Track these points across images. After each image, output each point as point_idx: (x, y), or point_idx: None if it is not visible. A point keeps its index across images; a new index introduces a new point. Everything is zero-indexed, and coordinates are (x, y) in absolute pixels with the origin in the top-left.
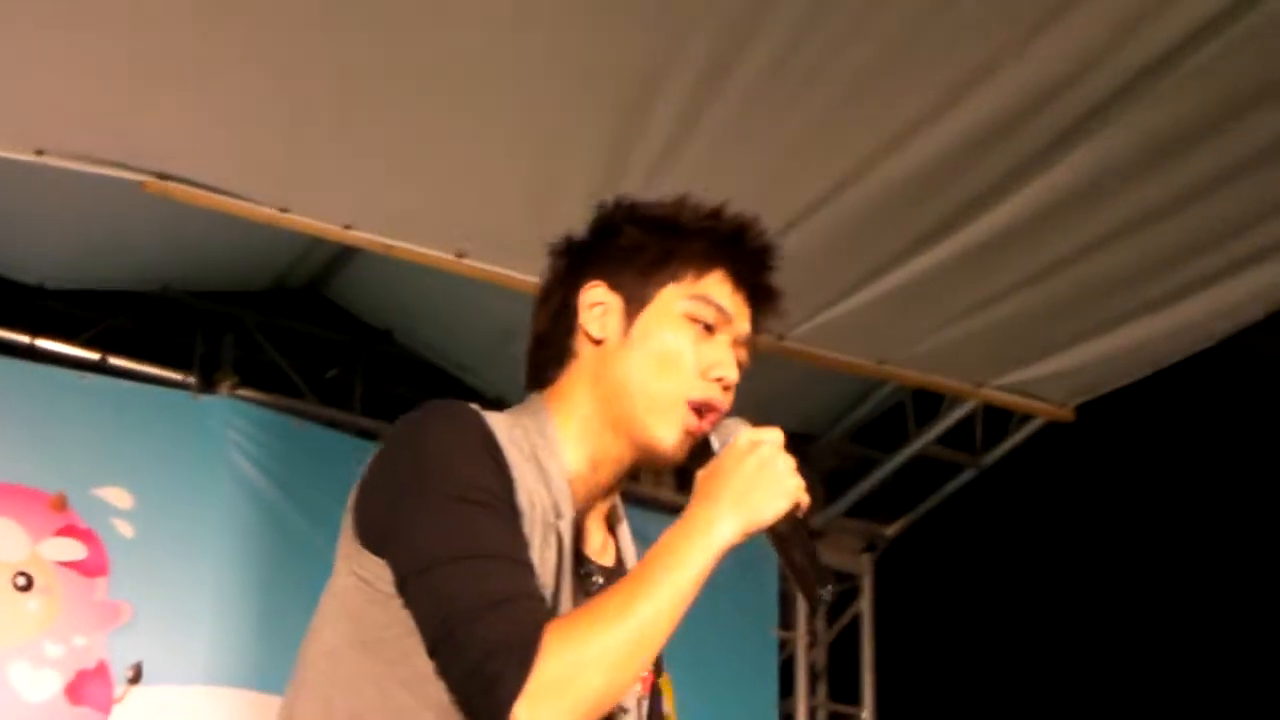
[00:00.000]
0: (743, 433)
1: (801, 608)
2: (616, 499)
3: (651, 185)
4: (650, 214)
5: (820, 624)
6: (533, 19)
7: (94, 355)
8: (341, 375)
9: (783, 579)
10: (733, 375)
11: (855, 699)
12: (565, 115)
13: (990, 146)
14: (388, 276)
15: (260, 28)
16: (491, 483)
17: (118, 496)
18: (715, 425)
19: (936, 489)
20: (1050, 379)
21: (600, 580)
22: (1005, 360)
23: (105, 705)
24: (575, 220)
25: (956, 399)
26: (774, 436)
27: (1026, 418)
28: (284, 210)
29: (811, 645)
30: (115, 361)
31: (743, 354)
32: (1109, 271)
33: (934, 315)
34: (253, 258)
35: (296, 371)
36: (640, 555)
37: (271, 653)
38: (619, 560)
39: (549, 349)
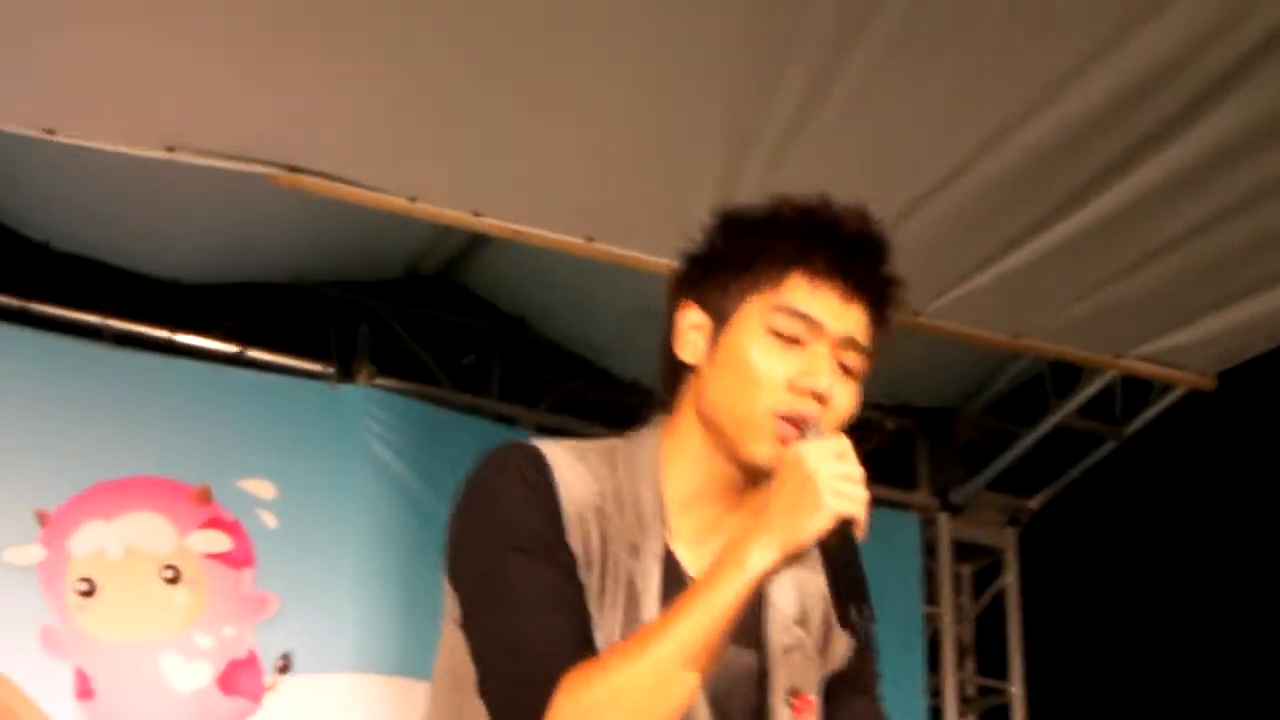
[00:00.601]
0: (795, 447)
1: (947, 582)
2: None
3: (780, 164)
4: (736, 222)
5: (966, 599)
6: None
7: (232, 348)
8: (478, 361)
9: (927, 553)
10: (823, 384)
11: (1003, 674)
12: (692, 94)
13: (1122, 116)
14: (520, 262)
15: (387, 16)
16: (539, 529)
17: (261, 488)
18: (801, 437)
19: (1078, 461)
20: (1190, 348)
21: None
22: (1143, 330)
23: (257, 694)
24: (703, 201)
25: (1095, 370)
26: (825, 448)
27: (1167, 388)
28: (413, 199)
29: (958, 620)
30: (253, 354)
31: (848, 356)
32: (1244, 238)
33: (1069, 287)
34: (385, 246)
35: (433, 359)
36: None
37: (415, 638)
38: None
39: (665, 374)
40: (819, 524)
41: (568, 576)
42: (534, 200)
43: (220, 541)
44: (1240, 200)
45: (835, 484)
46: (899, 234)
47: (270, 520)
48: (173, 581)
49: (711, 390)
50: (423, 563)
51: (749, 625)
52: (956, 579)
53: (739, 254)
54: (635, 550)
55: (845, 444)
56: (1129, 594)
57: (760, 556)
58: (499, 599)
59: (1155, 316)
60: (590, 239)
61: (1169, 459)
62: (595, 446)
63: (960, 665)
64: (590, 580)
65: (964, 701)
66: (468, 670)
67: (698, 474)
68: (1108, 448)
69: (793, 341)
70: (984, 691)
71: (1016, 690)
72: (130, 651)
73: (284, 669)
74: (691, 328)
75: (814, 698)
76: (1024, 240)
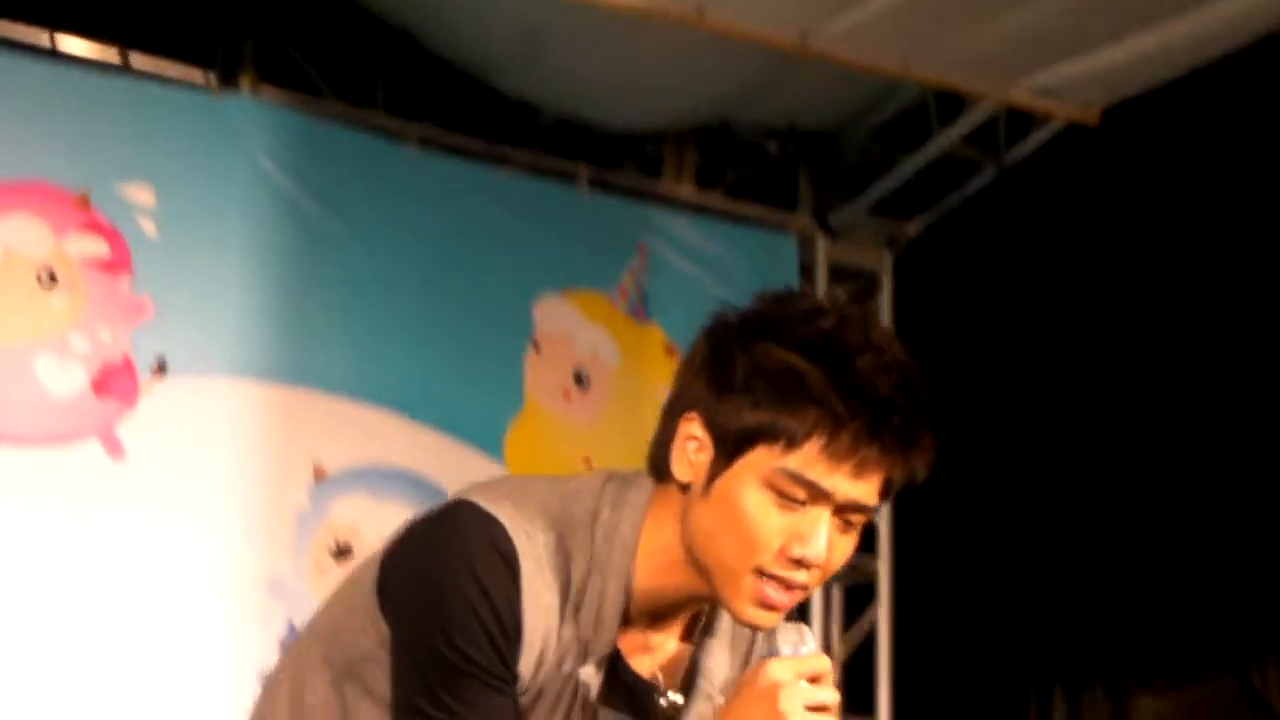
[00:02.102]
0: (769, 667)
1: None
2: (713, 611)
3: None
4: (765, 349)
5: None
6: None
7: (115, 56)
8: (363, 75)
9: (803, 274)
10: (816, 553)
11: None
12: None
13: None
14: None
15: None
16: (492, 656)
17: (140, 195)
18: (770, 630)
19: (957, 189)
20: (1077, 80)
21: (675, 700)
22: (1031, 61)
23: (131, 397)
24: None
25: (979, 100)
26: (800, 671)
27: (1049, 120)
28: None
29: None
30: (137, 61)
31: (853, 516)
32: None
33: (959, 16)
34: None
35: (317, 71)
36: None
37: (293, 345)
38: (689, 676)
39: (657, 455)
40: None
41: (510, 704)
42: None
43: (98, 246)
44: None
45: None
46: None
47: (149, 227)
48: (49, 284)
49: (700, 526)
50: (302, 270)
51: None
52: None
53: (761, 395)
54: (584, 653)
55: (823, 664)
56: (1000, 321)
57: None
58: (436, 709)
59: (1043, 48)
60: None
61: (1048, 192)
62: (573, 516)
63: None
64: (532, 695)
65: None
66: (376, 680)
67: (668, 578)
68: (987, 176)
69: (794, 502)
70: None
71: None
72: (3, 353)
73: (159, 372)
74: (693, 440)
75: None
76: None
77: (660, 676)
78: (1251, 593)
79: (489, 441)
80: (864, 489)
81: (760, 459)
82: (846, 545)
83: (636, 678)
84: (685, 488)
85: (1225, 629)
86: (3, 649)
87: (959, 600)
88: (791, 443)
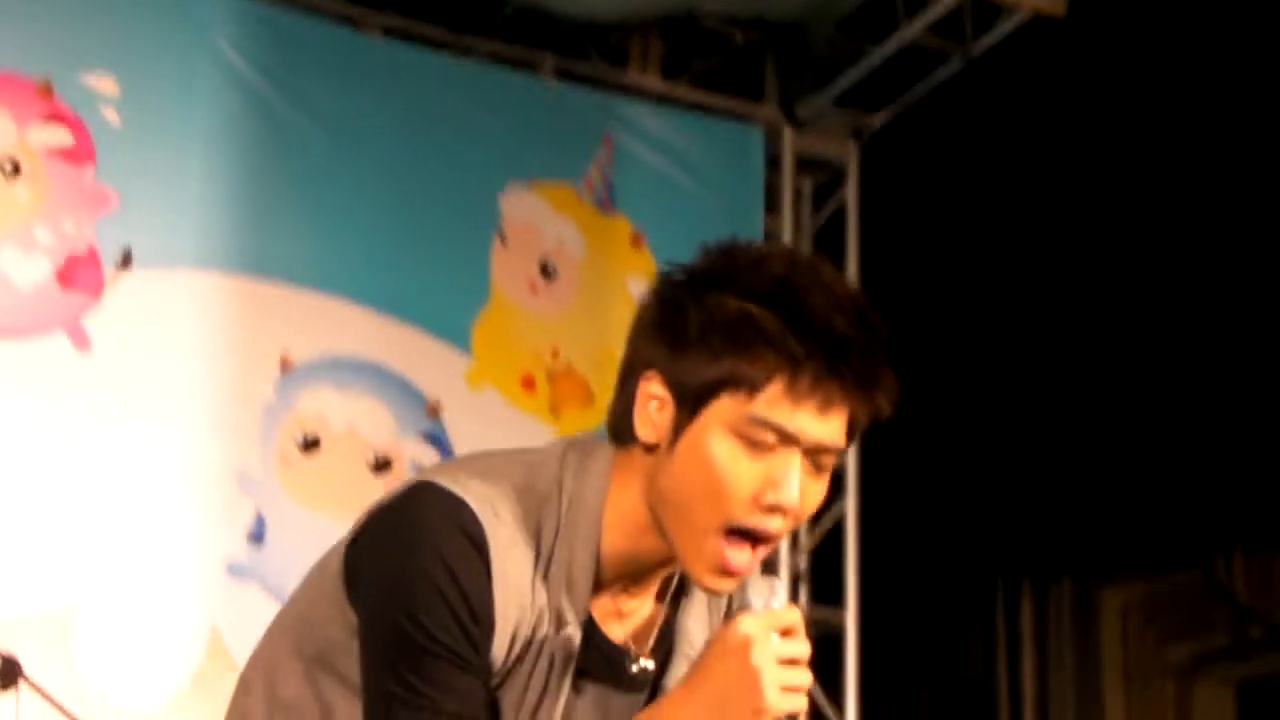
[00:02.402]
0: (741, 621)
1: (788, 195)
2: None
3: None
4: (719, 304)
5: (806, 212)
6: None
7: None
8: None
9: (770, 166)
10: (789, 498)
11: (840, 267)
12: None
13: None
14: None
15: None
16: (461, 639)
17: (104, 84)
18: (742, 583)
19: (924, 79)
20: None
21: (645, 666)
22: None
23: (96, 289)
24: None
25: None
26: (772, 626)
27: (1017, 10)
28: None
29: (796, 232)
30: None
31: (822, 458)
32: None
33: None
34: None
35: None
36: (711, 625)
37: (258, 236)
38: (662, 637)
39: (617, 420)
40: None
41: (479, 684)
42: None
43: (61, 136)
44: None
45: (781, 678)
46: None
47: (113, 117)
48: (12, 175)
49: (668, 484)
50: (266, 160)
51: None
52: (797, 193)
53: (719, 346)
54: (560, 619)
55: (794, 617)
56: (965, 212)
57: None
58: (407, 696)
59: None
60: None
61: (1014, 83)
62: (536, 487)
63: None
64: (506, 668)
65: None
66: (347, 666)
67: (636, 542)
68: (954, 67)
69: (763, 448)
70: None
71: None
72: None
73: (125, 264)
74: (653, 400)
75: None
76: None
77: (632, 643)
78: (1217, 485)
79: (456, 333)
80: (830, 428)
81: (724, 409)
82: (818, 490)
83: (611, 645)
84: (650, 449)
85: (1191, 521)
86: None
87: (926, 494)
88: (754, 389)
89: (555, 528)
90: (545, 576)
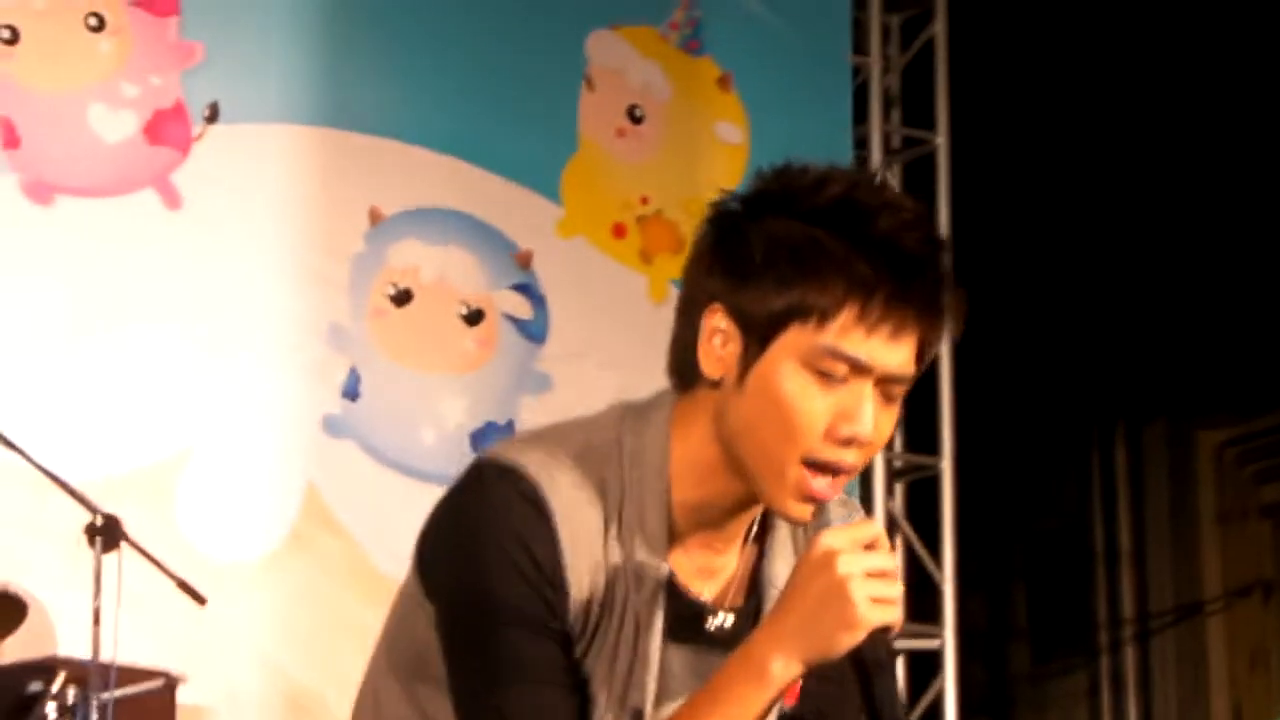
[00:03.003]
0: (822, 538)
1: (876, 32)
2: (768, 515)
3: None
4: (785, 233)
5: (894, 49)
6: None
7: None
8: None
9: (856, 3)
10: (865, 430)
11: (930, 124)
12: None
13: None
14: None
15: None
16: (537, 606)
17: None
18: (817, 511)
19: None
20: None
21: (722, 621)
22: None
23: (184, 144)
24: None
25: None
26: (855, 541)
27: None
28: None
29: (885, 70)
30: None
31: (893, 388)
32: None
33: None
34: None
35: None
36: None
37: (343, 91)
38: (752, 588)
39: (680, 358)
40: (853, 640)
41: (561, 651)
42: None
43: None
44: None
45: (870, 591)
46: None
47: None
48: (97, 30)
49: (739, 419)
50: (353, 13)
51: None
52: (885, 30)
53: (785, 274)
54: (640, 579)
55: (874, 531)
56: (1058, 46)
57: (783, 669)
58: (488, 668)
59: None
60: None
61: None
62: (596, 447)
63: (886, 116)
64: (588, 636)
65: (889, 153)
66: (438, 665)
67: (708, 486)
68: None
69: (835, 380)
70: (909, 142)
71: (942, 141)
72: (56, 100)
73: (212, 118)
74: (718, 334)
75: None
76: None
77: (724, 598)
78: None
79: (544, 183)
80: (902, 355)
81: (794, 340)
82: (889, 419)
83: (695, 602)
84: (716, 384)
85: None
86: (70, 397)
87: (1020, 338)
88: (825, 317)
89: (620, 485)
90: (618, 535)
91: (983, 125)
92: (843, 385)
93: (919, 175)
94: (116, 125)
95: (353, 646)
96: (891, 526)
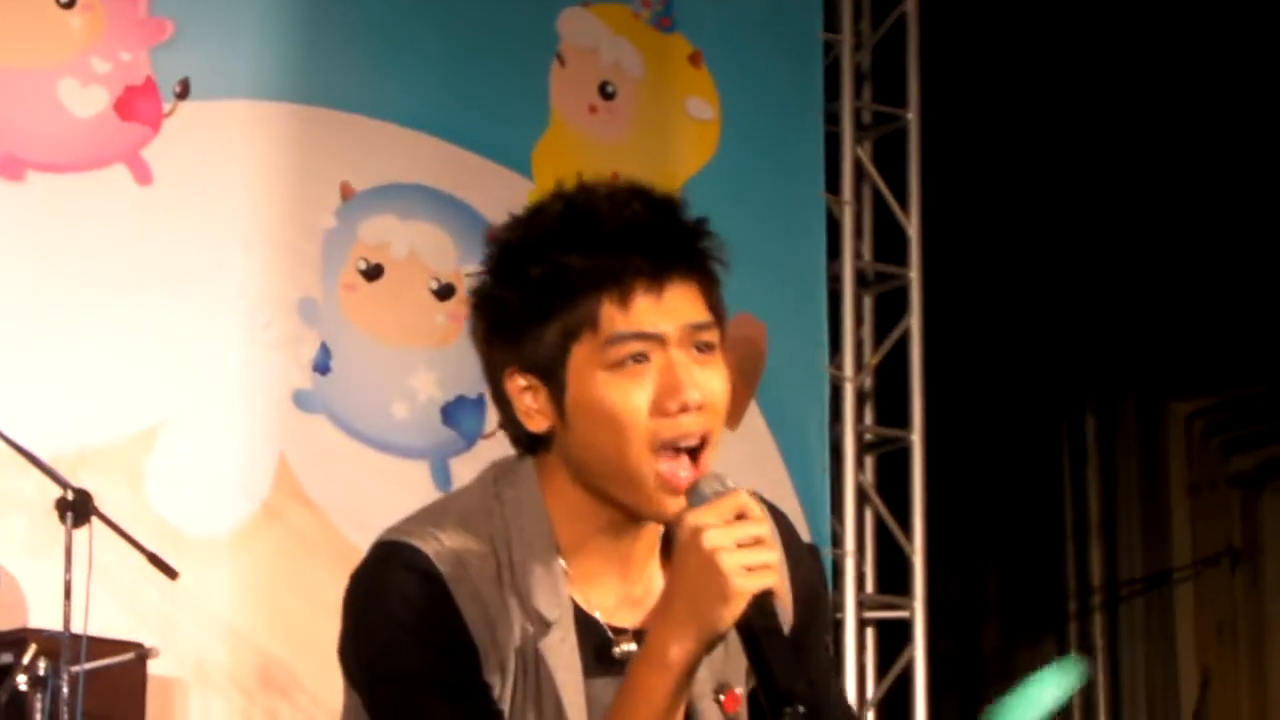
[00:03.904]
0: (688, 517)
1: (848, 8)
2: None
3: None
4: (517, 273)
5: (865, 25)
6: None
7: None
8: None
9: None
10: (689, 394)
11: (901, 100)
12: None
13: None
14: None
15: None
16: (448, 670)
17: None
18: (689, 490)
19: None
20: None
21: (628, 649)
22: None
23: (155, 120)
24: None
25: None
26: (720, 514)
27: None
28: None
29: (857, 47)
30: None
31: (698, 338)
32: None
33: None
34: None
35: None
36: None
37: (315, 65)
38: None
39: (514, 433)
40: (733, 611)
41: (484, 705)
42: None
43: None
44: None
45: (741, 560)
46: None
47: None
48: (68, 6)
49: (578, 450)
50: None
51: None
52: (856, 6)
53: (544, 308)
54: (544, 622)
55: (740, 501)
56: (1027, 18)
57: (679, 650)
58: None
59: None
60: None
61: None
62: (477, 507)
63: (858, 93)
64: (510, 688)
65: (860, 129)
66: None
67: (589, 523)
68: None
69: (638, 361)
70: (880, 119)
71: (913, 117)
72: (26, 77)
73: (182, 95)
74: (525, 393)
75: (741, 691)
76: None
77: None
78: None
79: (517, 158)
80: (681, 307)
81: (583, 356)
82: (715, 374)
83: (613, 635)
84: (549, 436)
85: (1257, 334)
86: (41, 371)
87: (989, 314)
88: (593, 322)
89: (506, 536)
90: (512, 584)
91: (954, 102)
92: (647, 365)
93: (890, 151)
94: (87, 101)
95: (323, 619)
96: (862, 499)
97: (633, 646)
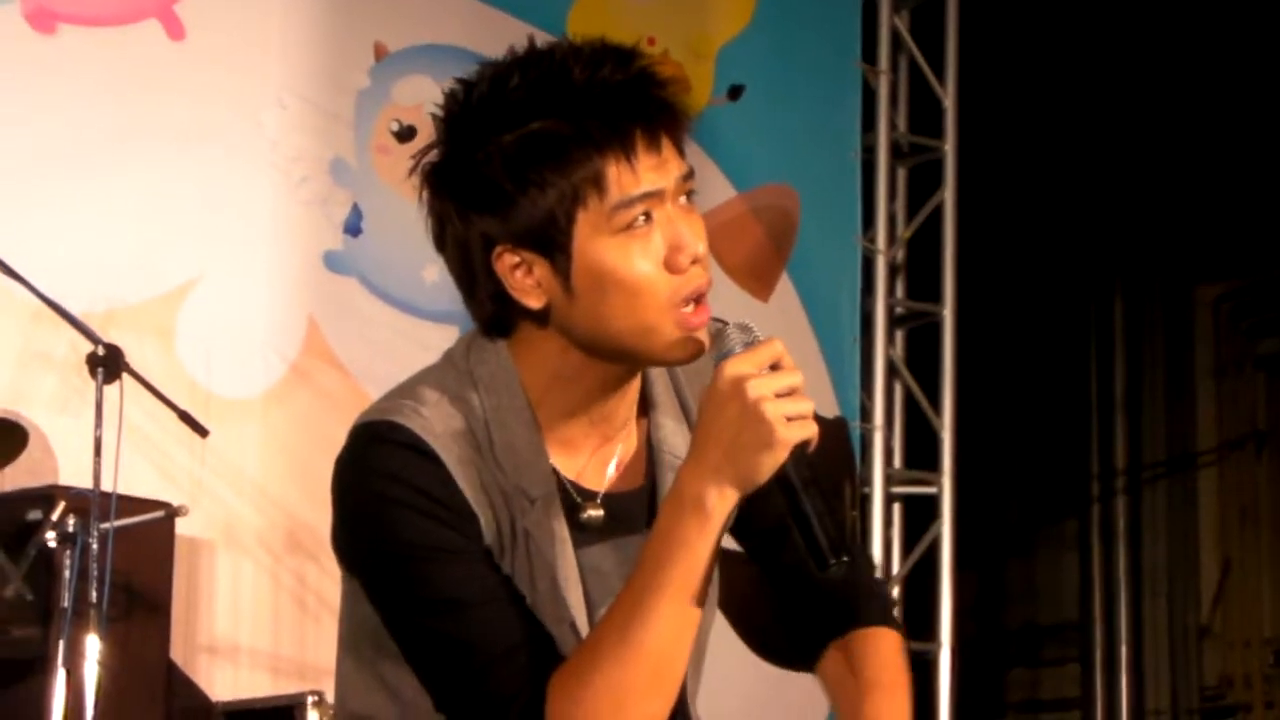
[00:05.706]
0: (726, 366)
1: None
2: (645, 389)
3: None
4: (506, 142)
5: None
6: None
7: None
8: None
9: None
10: (696, 245)
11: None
12: None
13: None
14: None
15: None
16: (448, 537)
17: None
18: (714, 340)
19: None
20: None
21: (597, 512)
22: None
23: None
24: None
25: None
26: (758, 362)
27: None
28: None
29: None
30: None
31: (683, 189)
32: None
33: None
34: None
35: None
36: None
37: None
38: (648, 467)
39: (490, 311)
40: (776, 460)
41: (488, 568)
42: None
43: None
44: None
45: (784, 409)
46: None
47: None
48: None
49: (588, 320)
50: None
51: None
52: None
53: (540, 178)
54: (528, 495)
55: (777, 350)
56: None
57: (719, 500)
58: (423, 608)
59: None
60: None
61: None
62: (452, 384)
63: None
64: (503, 565)
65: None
66: (388, 636)
67: (572, 392)
68: None
69: (646, 221)
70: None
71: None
72: None
73: None
74: (517, 269)
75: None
76: None
77: (624, 480)
78: None
79: (551, 21)
80: (673, 162)
81: (589, 221)
82: (700, 224)
83: (588, 495)
84: (544, 314)
85: None
86: (72, 227)
87: (1022, 191)
88: (600, 185)
89: (482, 412)
90: (494, 459)
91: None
92: (651, 225)
93: (928, 22)
94: None
95: None
96: (891, 373)
97: (599, 512)
